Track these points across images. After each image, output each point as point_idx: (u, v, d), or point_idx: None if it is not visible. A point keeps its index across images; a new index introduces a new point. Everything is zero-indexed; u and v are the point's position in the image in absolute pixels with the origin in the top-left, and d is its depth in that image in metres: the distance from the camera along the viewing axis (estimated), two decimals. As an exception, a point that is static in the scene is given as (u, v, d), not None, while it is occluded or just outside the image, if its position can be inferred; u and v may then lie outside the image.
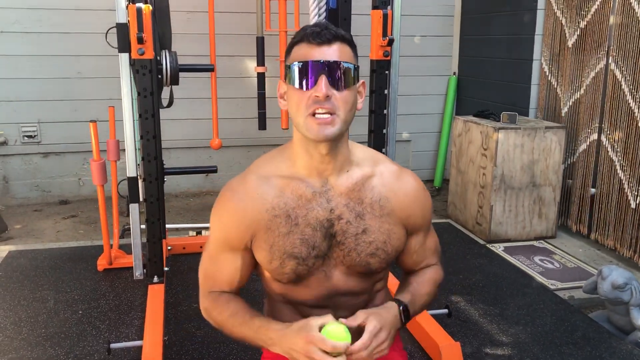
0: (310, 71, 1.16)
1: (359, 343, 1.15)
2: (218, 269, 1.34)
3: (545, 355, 2.51)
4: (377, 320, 1.19)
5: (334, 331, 1.14)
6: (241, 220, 1.26)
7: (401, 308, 1.28)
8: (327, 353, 1.11)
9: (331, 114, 1.16)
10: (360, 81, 1.26)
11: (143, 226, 2.96)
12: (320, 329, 1.15)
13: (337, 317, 1.32)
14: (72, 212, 4.54)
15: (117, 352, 2.43)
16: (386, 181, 1.31)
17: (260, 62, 3.57)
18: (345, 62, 1.18)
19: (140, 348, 2.38)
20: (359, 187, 1.28)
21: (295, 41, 1.22)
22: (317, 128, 1.16)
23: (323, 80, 1.15)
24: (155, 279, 2.88)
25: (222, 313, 1.32)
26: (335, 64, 1.16)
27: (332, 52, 1.17)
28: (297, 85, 1.18)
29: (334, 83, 1.16)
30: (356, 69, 1.20)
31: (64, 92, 4.63)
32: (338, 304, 1.33)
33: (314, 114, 1.17)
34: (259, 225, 1.26)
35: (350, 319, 1.19)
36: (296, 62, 1.18)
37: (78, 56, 4.58)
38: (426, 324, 2.50)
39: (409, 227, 1.33)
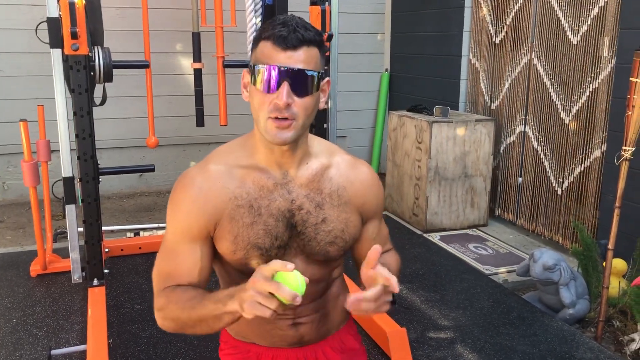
0: (273, 76, 1.15)
1: (373, 291, 1.10)
2: (176, 263, 1.25)
3: (485, 336, 2.64)
4: (389, 274, 1.13)
5: (286, 277, 1.05)
6: (203, 209, 1.23)
7: None
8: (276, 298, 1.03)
9: (290, 119, 1.17)
10: (325, 79, 1.25)
11: (81, 229, 2.87)
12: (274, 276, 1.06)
13: (299, 307, 1.31)
14: (-3, 217, 4.31)
15: (58, 359, 2.35)
16: (343, 171, 1.33)
17: (197, 58, 3.51)
18: (309, 70, 1.17)
19: (83, 353, 2.31)
20: (318, 177, 1.30)
21: (263, 36, 1.18)
22: (275, 132, 1.17)
23: (285, 88, 1.14)
24: (95, 281, 2.80)
25: (177, 302, 1.20)
26: (299, 72, 1.15)
27: (297, 58, 1.15)
28: (259, 87, 1.17)
29: (296, 90, 1.16)
30: (320, 75, 1.20)
31: (-16, 91, 4.38)
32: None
33: (273, 117, 1.17)
34: (222, 215, 1.24)
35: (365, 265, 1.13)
36: (260, 65, 1.16)
37: (-1, 53, 4.35)
38: (372, 313, 2.56)
39: (364, 213, 1.37)
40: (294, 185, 1.28)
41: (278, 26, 1.17)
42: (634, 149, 2.51)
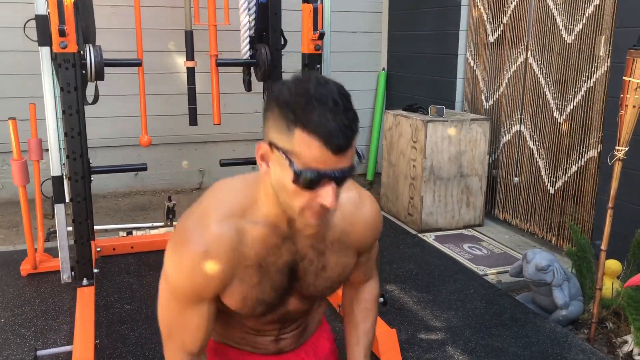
0: (319, 179, 1.02)
1: None
2: (185, 324, 1.20)
3: (476, 337, 2.61)
4: None
5: None
6: (210, 274, 1.13)
7: None
8: None
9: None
10: None
11: (70, 228, 2.85)
12: None
13: (283, 329, 1.36)
14: (-9, 216, 4.30)
15: (44, 359, 2.33)
16: (346, 212, 1.26)
17: (190, 56, 3.50)
18: (354, 163, 1.06)
19: (69, 353, 2.29)
20: (324, 225, 1.23)
21: (303, 124, 0.99)
22: (312, 222, 1.09)
23: (335, 191, 1.03)
24: (85, 281, 2.78)
25: None
26: (348, 171, 1.04)
27: (347, 157, 1.02)
28: (298, 184, 1.03)
29: (340, 184, 1.05)
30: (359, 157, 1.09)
31: (-22, 89, 4.37)
32: (287, 319, 1.36)
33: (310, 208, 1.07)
34: (231, 278, 1.17)
35: None
36: (307, 171, 1.00)
37: (-6, 51, 4.34)
38: (363, 313, 2.54)
39: (360, 249, 1.34)
40: (300, 236, 1.21)
41: (320, 115, 0.98)
42: (627, 148, 2.48)
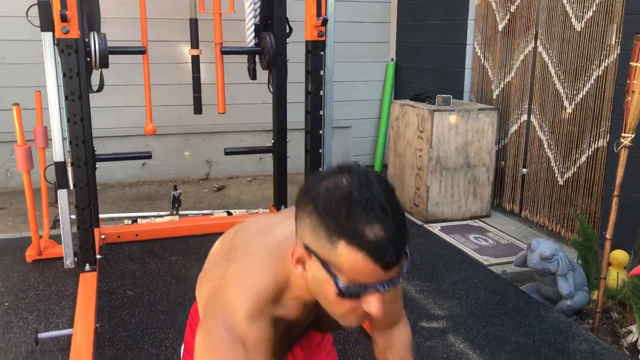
0: (366, 292, 0.95)
1: None
2: None
3: (478, 326, 2.59)
4: None
5: None
6: None
7: None
8: None
9: None
10: None
11: (74, 215, 2.87)
12: None
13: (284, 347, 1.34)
14: (-1, 204, 4.34)
15: (45, 342, 2.35)
16: None
17: (195, 44, 3.49)
18: (404, 269, 0.98)
19: (70, 336, 2.30)
20: None
21: (347, 238, 0.89)
22: (353, 325, 1.03)
23: (381, 301, 0.95)
24: (87, 267, 2.79)
25: None
26: (398, 279, 0.95)
27: (396, 269, 0.93)
28: (343, 295, 0.95)
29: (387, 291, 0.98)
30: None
31: (-13, 78, 4.40)
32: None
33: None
34: None
35: None
36: (352, 287, 0.93)
37: (2, 41, 4.36)
38: (363, 301, 2.52)
39: None
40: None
41: (366, 225, 0.88)
42: (633, 135, 2.44)
